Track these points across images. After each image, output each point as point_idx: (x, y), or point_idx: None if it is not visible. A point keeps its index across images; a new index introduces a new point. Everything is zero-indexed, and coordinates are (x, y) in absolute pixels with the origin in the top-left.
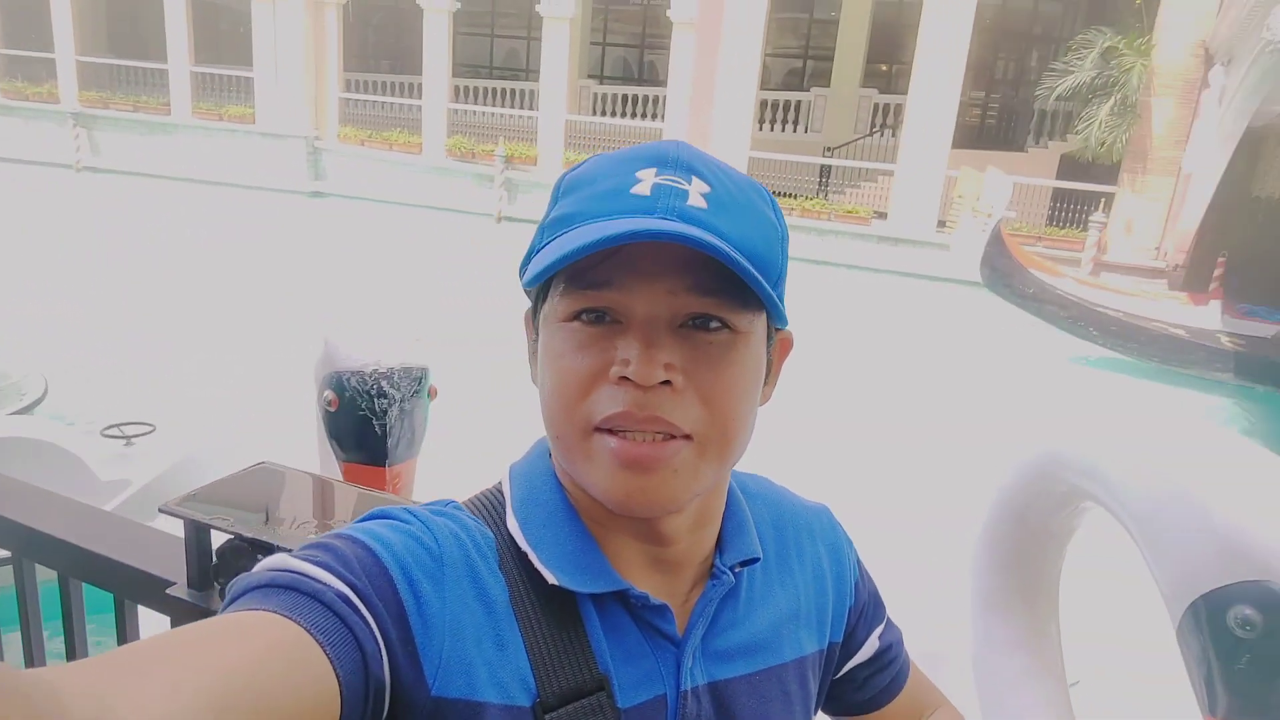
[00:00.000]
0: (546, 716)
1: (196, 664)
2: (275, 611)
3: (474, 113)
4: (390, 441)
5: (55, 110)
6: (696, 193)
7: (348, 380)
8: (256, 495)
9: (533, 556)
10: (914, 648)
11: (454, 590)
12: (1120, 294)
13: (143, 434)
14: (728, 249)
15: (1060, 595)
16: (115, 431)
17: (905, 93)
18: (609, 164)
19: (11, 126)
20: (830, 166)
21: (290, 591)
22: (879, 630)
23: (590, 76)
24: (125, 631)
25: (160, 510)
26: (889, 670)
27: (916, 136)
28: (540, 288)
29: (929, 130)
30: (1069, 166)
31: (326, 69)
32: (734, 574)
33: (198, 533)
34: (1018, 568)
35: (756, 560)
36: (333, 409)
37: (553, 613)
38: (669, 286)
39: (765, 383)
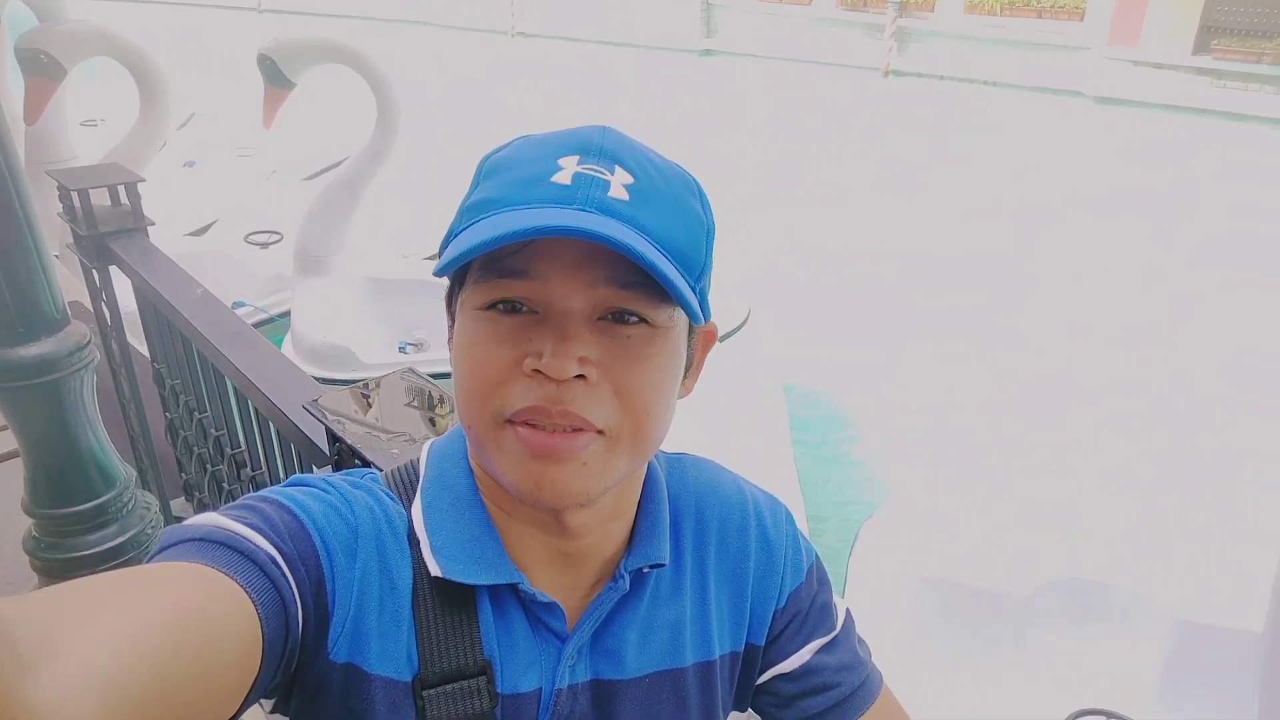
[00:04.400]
0: (425, 693)
1: (141, 604)
2: (211, 566)
3: None
4: None
5: None
6: (619, 183)
7: None
8: (387, 401)
9: (424, 544)
10: None
11: (364, 564)
12: None
13: None
14: (644, 248)
15: None
16: None
17: None
18: (531, 148)
19: None
20: None
21: (225, 549)
22: (817, 645)
23: None
24: None
25: (303, 406)
26: (823, 696)
27: None
28: (456, 273)
29: None
30: None
31: None
32: (634, 577)
33: (327, 428)
34: None
35: (661, 566)
36: None
37: (446, 596)
38: (587, 278)
39: (686, 375)
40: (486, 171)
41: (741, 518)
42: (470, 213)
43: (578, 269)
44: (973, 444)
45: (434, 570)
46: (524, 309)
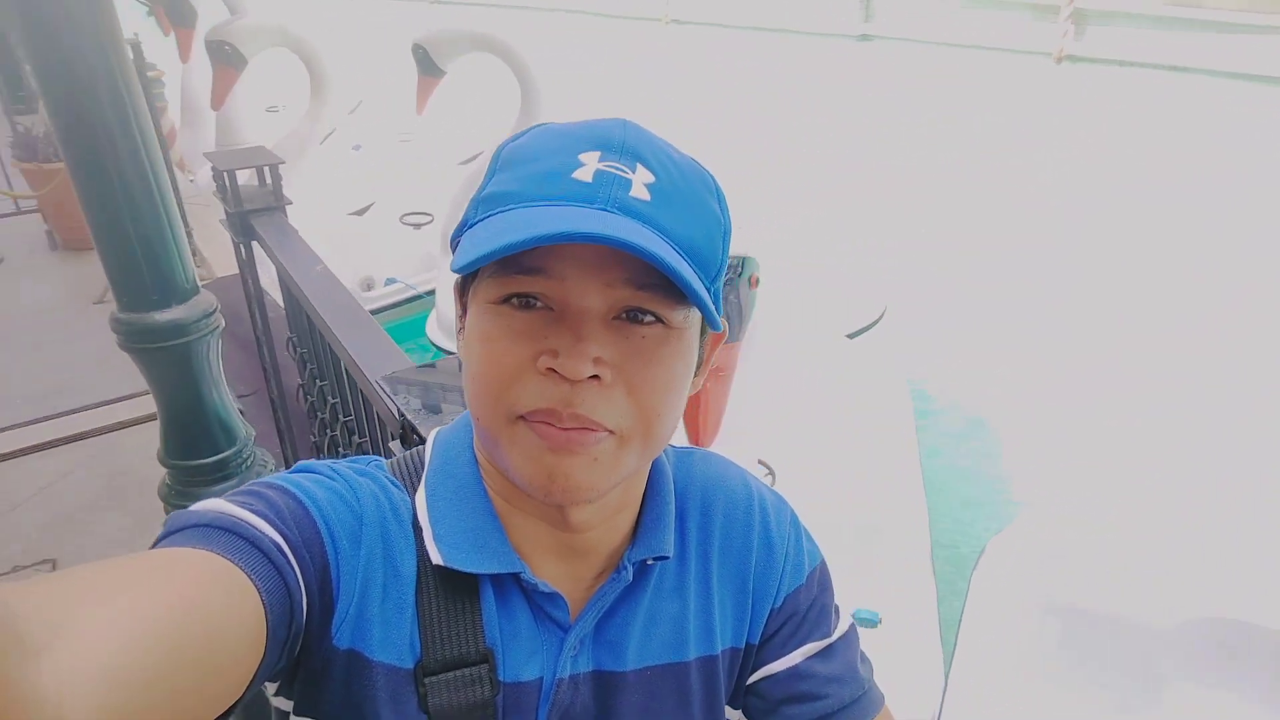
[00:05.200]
0: (426, 680)
1: (147, 591)
2: (216, 552)
3: None
4: None
5: None
6: (640, 183)
7: None
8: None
9: (427, 533)
10: None
11: (368, 550)
12: None
13: None
14: (668, 254)
15: None
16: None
17: None
18: (551, 140)
19: None
20: None
21: (230, 535)
22: (809, 650)
23: None
24: None
25: (376, 381)
26: (807, 705)
27: None
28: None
29: None
30: None
31: None
32: (637, 569)
33: (397, 405)
34: None
35: (665, 558)
36: None
37: (450, 584)
38: (605, 278)
39: (696, 373)
40: (504, 162)
41: (746, 512)
42: (487, 205)
43: (596, 269)
44: (1117, 459)
45: (435, 558)
46: (539, 304)
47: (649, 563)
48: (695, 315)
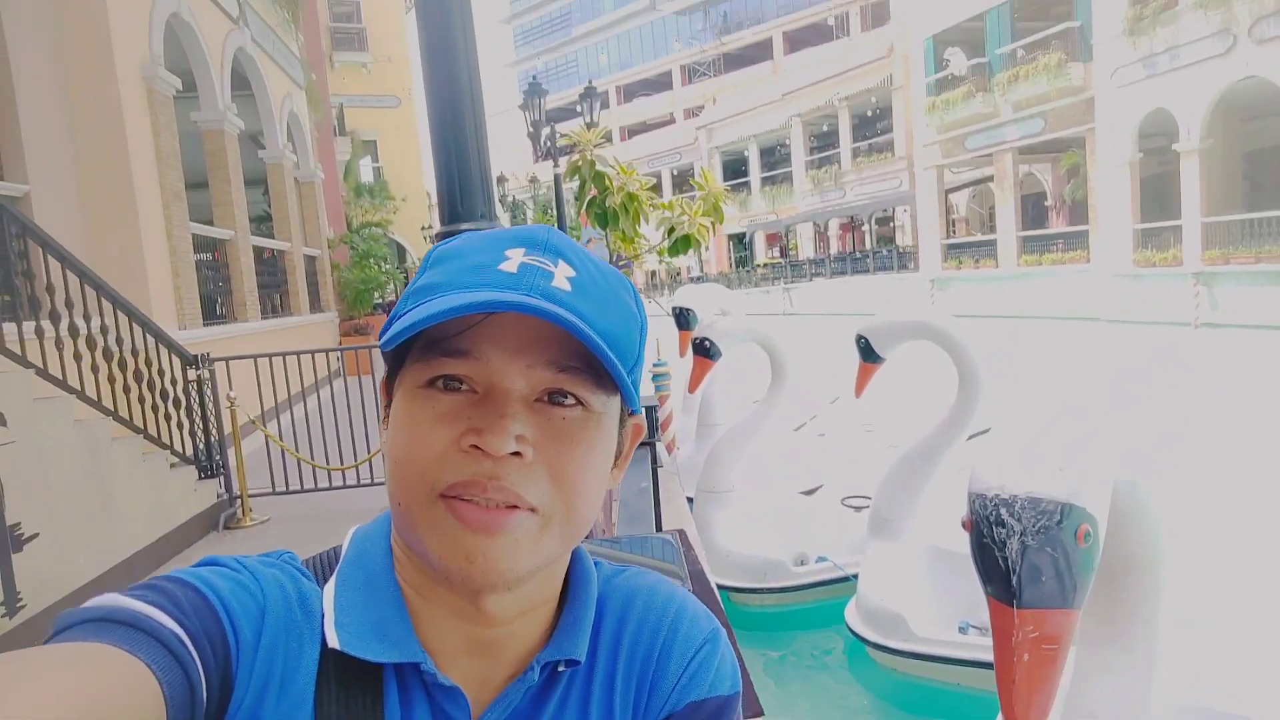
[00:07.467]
0: None
1: (40, 687)
2: (114, 645)
3: None
4: (1014, 578)
5: (1178, 272)
6: (562, 275)
7: (975, 502)
8: None
9: (328, 619)
10: None
11: (269, 641)
12: None
13: None
14: (585, 328)
15: None
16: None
17: None
18: (480, 240)
19: (1137, 291)
20: None
21: (129, 628)
22: None
23: None
24: None
25: None
26: None
27: None
28: (396, 354)
29: None
30: None
31: None
32: (547, 674)
33: None
34: None
35: (576, 663)
36: (965, 529)
37: (352, 677)
38: (527, 361)
39: (615, 465)
40: (434, 261)
41: (659, 618)
42: (416, 296)
43: (518, 352)
44: None
45: (332, 642)
46: (464, 387)
47: (560, 669)
48: (614, 403)
